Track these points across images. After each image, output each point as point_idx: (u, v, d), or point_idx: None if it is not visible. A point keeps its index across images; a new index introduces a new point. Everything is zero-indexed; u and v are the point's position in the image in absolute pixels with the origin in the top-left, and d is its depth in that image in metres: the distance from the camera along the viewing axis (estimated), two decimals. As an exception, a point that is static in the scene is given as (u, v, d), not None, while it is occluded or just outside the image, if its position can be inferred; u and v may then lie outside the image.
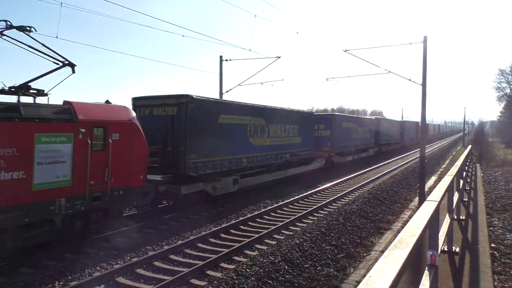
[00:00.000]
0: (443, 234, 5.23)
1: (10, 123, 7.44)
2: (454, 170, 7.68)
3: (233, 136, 14.63)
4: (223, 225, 10.90)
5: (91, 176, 8.94)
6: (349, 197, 15.57)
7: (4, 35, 8.56)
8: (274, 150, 17.85)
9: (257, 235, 9.85)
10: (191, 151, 12.29)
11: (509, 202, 13.82)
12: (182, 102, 12.36)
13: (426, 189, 17.18)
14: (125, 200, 10.07)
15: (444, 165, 32.23)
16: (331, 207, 13.77)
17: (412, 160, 31.56)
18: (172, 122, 12.42)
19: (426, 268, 3.50)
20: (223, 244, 9.45)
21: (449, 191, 6.27)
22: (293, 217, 11.78)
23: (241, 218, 11.66)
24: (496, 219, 11.24)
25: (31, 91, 8.68)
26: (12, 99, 8.39)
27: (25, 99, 8.53)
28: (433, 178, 23.84)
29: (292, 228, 10.96)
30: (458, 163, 9.69)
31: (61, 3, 11.62)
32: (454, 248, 6.02)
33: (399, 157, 34.74)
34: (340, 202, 14.56)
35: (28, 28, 8.79)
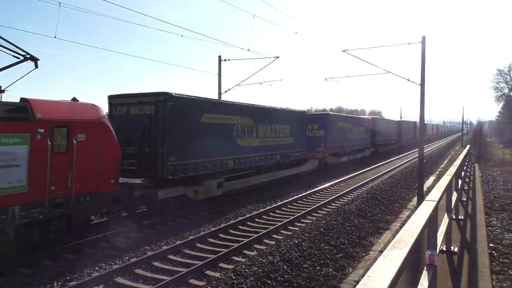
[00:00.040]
0: (442, 234, 5.24)
1: None
2: (452, 170, 7.69)
3: (218, 136, 13.85)
4: (222, 225, 10.90)
5: (51, 181, 8.18)
6: (347, 197, 15.58)
7: None
8: (263, 151, 17.05)
9: (256, 235, 9.85)
10: (170, 153, 11.51)
11: (507, 202, 13.83)
12: (160, 100, 11.54)
13: (425, 189, 17.20)
14: (93, 206, 9.28)
15: (442, 165, 32.27)
16: (329, 207, 13.78)
17: (410, 160, 31.45)
18: (150, 121, 11.61)
19: (425, 268, 3.50)
20: (222, 244, 9.45)
21: (448, 191, 6.28)
22: (292, 217, 11.78)
23: (240, 218, 11.66)
24: (495, 219, 11.25)
25: None
26: None
27: None
28: (431, 178, 23.87)
29: (291, 228, 10.96)
30: (457, 163, 9.71)
31: (59, 3, 11.63)
32: (452, 248, 6.04)
33: (397, 157, 34.29)
34: (338, 202, 14.57)
35: None
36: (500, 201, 14.05)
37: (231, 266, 7.80)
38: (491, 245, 8.35)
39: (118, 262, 8.16)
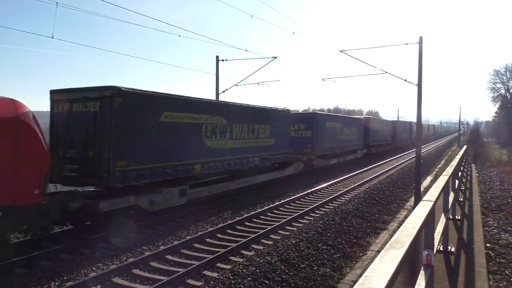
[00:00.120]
0: (439, 234, 5.26)
1: None
2: (449, 170, 7.72)
3: (181, 137, 12.29)
4: (220, 225, 10.90)
5: None
6: (345, 197, 15.60)
7: None
8: (238, 154, 15.47)
9: (253, 235, 9.85)
10: (118, 157, 9.98)
11: (504, 202, 13.89)
12: (106, 95, 10.01)
13: (422, 189, 17.25)
14: (6, 223, 7.59)
15: (439, 165, 32.35)
16: (327, 207, 13.79)
17: (404, 162, 31.37)
18: (94, 120, 10.12)
19: (422, 268, 3.51)
20: (220, 244, 9.45)
21: (445, 191, 6.30)
22: (290, 217, 11.79)
23: (238, 218, 11.66)
24: (491, 219, 11.29)
25: None
26: None
27: None
28: (428, 178, 23.94)
29: (289, 228, 10.97)
30: (454, 163, 9.75)
31: (57, 3, 11.60)
32: (449, 248, 6.05)
33: (390, 159, 33.17)
34: (336, 202, 14.58)
35: None
36: (497, 201, 14.11)
37: (228, 266, 7.79)
38: (488, 245, 8.39)
39: (115, 262, 8.15)
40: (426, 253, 3.59)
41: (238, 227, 11.06)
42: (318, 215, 12.35)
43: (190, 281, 7.17)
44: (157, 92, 11.56)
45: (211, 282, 6.97)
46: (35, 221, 8.35)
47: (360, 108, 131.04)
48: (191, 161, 12.73)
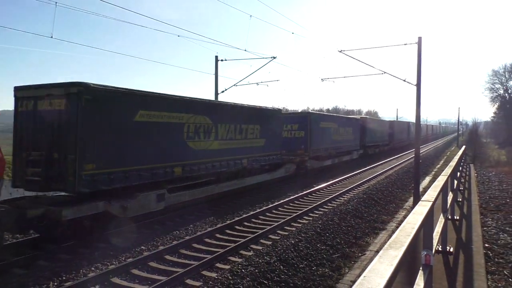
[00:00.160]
0: (438, 234, 5.27)
1: None
2: (448, 170, 7.72)
3: (160, 138, 11.47)
4: (219, 225, 10.89)
5: None
6: (344, 197, 15.62)
7: None
8: (225, 155, 14.63)
9: (252, 235, 9.85)
10: (85, 160, 9.16)
11: (502, 202, 13.92)
12: (73, 92, 9.19)
13: (421, 189, 17.27)
14: None
15: (438, 166, 32.41)
16: (326, 207, 13.80)
17: (403, 162, 31.35)
18: (59, 119, 9.32)
19: (421, 268, 3.52)
20: (219, 244, 9.44)
21: (444, 191, 6.31)
22: (289, 217, 11.80)
23: (237, 218, 11.66)
24: (490, 219, 11.32)
25: None
26: None
27: None
28: (427, 179, 23.98)
29: (288, 228, 10.97)
30: (452, 163, 9.76)
31: (56, 2, 11.59)
32: (448, 248, 6.07)
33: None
34: (335, 202, 14.59)
35: None
36: (495, 202, 14.14)
37: (227, 267, 7.79)
38: (486, 245, 8.41)
39: (114, 262, 8.15)
40: (425, 253, 3.59)
41: (237, 227, 11.06)
42: (317, 215, 12.36)
43: (189, 281, 7.16)
44: (132, 90, 10.76)
45: (210, 282, 6.97)
46: None
47: (359, 108, 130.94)
48: (171, 164, 11.91)
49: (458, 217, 9.20)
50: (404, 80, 17.33)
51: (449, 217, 7.89)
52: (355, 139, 30.56)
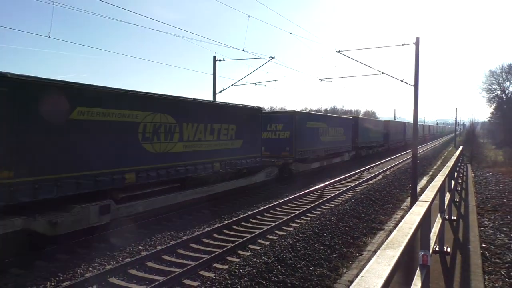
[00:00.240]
0: (435, 234, 5.28)
1: None
2: (445, 171, 7.75)
3: (106, 140, 9.99)
4: (216, 225, 10.89)
5: None
6: (342, 197, 15.63)
7: None
8: (191, 159, 13.09)
9: (250, 235, 9.85)
10: None
11: (499, 202, 13.96)
12: None
13: (418, 189, 17.31)
14: None
15: (436, 166, 32.48)
16: (324, 207, 13.81)
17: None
18: None
19: (418, 268, 3.53)
20: (216, 244, 9.45)
21: (441, 191, 6.33)
22: (286, 217, 11.80)
23: (234, 218, 11.66)
24: (487, 219, 11.35)
25: None
26: None
27: None
28: (425, 179, 24.03)
29: (285, 228, 10.98)
30: (450, 164, 9.79)
31: (54, 2, 11.55)
32: (445, 248, 6.09)
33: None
34: (332, 203, 14.61)
35: None
36: (492, 202, 14.18)
37: (225, 267, 7.80)
38: (483, 245, 8.43)
39: (112, 263, 8.14)
40: (422, 253, 3.60)
41: (235, 227, 11.06)
42: (314, 215, 12.37)
43: (186, 281, 7.16)
44: (67, 82, 9.27)
45: (208, 282, 6.97)
46: None
47: (357, 108, 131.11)
48: (120, 169, 10.36)
49: (455, 218, 9.23)
50: (402, 81, 17.38)
51: (447, 217, 7.92)
52: (346, 140, 29.25)
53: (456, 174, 12.20)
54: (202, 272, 7.59)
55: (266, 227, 10.68)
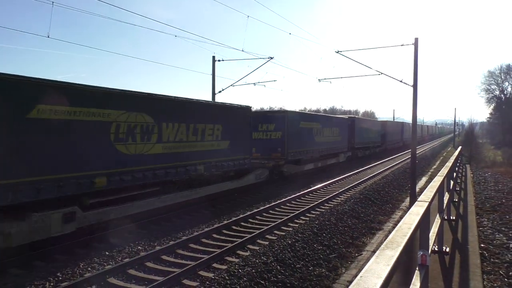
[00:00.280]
0: (434, 234, 5.29)
1: None
2: (444, 171, 7.75)
3: (72, 141, 9.15)
4: (215, 225, 10.89)
5: None
6: (341, 198, 15.64)
7: None
8: (172, 161, 12.24)
9: (249, 236, 9.85)
10: None
11: (498, 202, 13.98)
12: None
13: (417, 189, 17.33)
14: None
15: (435, 166, 32.51)
16: (323, 207, 13.82)
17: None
18: None
19: (417, 268, 3.53)
20: (215, 245, 9.45)
21: (440, 191, 6.33)
22: (285, 217, 11.81)
23: (234, 219, 11.66)
24: (486, 220, 11.36)
25: None
26: None
27: None
28: (424, 179, 24.06)
29: (284, 228, 10.99)
30: (449, 164, 9.80)
31: (52, 2, 11.53)
32: (444, 248, 6.09)
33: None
34: (332, 203, 14.62)
35: None
36: (491, 202, 14.20)
37: (224, 267, 7.80)
38: (482, 245, 8.44)
39: (111, 263, 8.13)
40: (421, 253, 3.60)
41: (234, 227, 11.06)
42: (314, 216, 12.38)
43: (185, 281, 7.16)
44: (22, 77, 8.26)
45: (207, 282, 6.97)
46: None
47: (356, 108, 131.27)
48: (89, 173, 9.50)
49: (454, 218, 9.24)
50: (401, 81, 17.40)
51: (445, 218, 7.92)
52: (342, 141, 28.43)
53: (455, 174, 12.21)
54: (201, 272, 7.59)
55: (265, 227, 10.68)
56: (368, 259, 8.52)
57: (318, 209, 13.41)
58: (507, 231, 9.89)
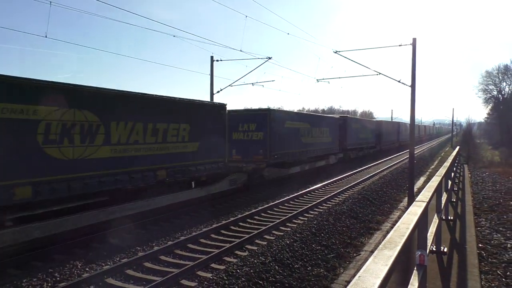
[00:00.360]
0: (432, 234, 5.29)
1: None
2: (442, 171, 7.77)
3: None
4: (214, 226, 10.88)
5: None
6: (339, 198, 15.65)
7: None
8: (124, 167, 10.64)
9: (247, 236, 9.85)
10: None
11: (496, 202, 14.00)
12: None
13: (415, 189, 17.36)
14: None
15: (433, 166, 32.56)
16: (321, 207, 13.82)
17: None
18: None
19: (415, 268, 3.54)
20: (214, 245, 9.44)
21: (438, 191, 6.35)
22: (284, 218, 11.81)
23: (232, 219, 11.65)
24: (484, 220, 11.38)
25: None
26: None
27: None
28: (422, 179, 24.10)
29: (283, 228, 10.99)
30: (447, 164, 9.82)
31: (50, 2, 11.50)
32: (442, 248, 6.10)
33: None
34: (330, 203, 14.62)
35: None
36: (489, 202, 14.22)
37: (222, 267, 7.79)
38: (480, 245, 8.46)
39: (109, 263, 8.12)
40: (419, 253, 3.61)
41: (232, 227, 11.05)
42: (312, 216, 12.38)
43: (184, 282, 7.15)
44: None
45: (205, 283, 6.97)
46: None
47: (354, 108, 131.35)
48: (5, 183, 7.99)
49: (452, 218, 9.26)
50: (399, 81, 17.44)
51: (443, 218, 7.94)
52: (333, 142, 26.84)
53: (453, 174, 12.24)
54: (199, 273, 7.58)
55: (264, 227, 10.68)
56: (366, 259, 8.54)
57: (317, 209, 13.42)
58: (504, 231, 9.91)
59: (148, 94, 11.88)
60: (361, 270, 1.85)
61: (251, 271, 7.46)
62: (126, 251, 8.88)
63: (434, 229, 5.59)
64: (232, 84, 22.94)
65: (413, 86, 16.56)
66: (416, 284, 3.26)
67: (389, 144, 44.82)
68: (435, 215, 6.29)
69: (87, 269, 7.77)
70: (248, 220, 11.87)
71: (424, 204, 3.76)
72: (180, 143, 12.90)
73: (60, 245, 8.86)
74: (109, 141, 10.28)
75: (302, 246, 9.27)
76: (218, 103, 15.62)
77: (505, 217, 11.52)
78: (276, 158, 18.70)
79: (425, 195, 4.44)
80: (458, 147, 22.25)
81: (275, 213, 12.98)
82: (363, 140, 34.58)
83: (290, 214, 12.24)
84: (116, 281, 7.18)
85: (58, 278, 7.30)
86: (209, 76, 22.42)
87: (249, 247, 9.27)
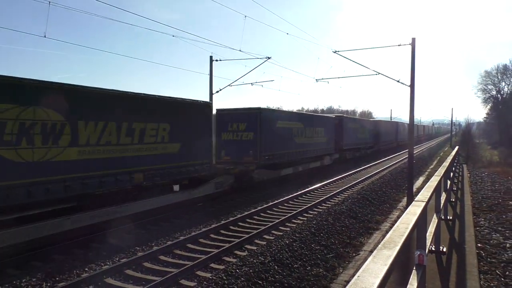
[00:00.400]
0: (431, 234, 5.30)
1: None
2: (441, 171, 7.77)
3: None
4: (213, 226, 10.89)
5: None
6: (338, 198, 15.66)
7: None
8: (94, 170, 9.83)
9: (247, 236, 9.85)
10: None
11: (495, 202, 14.03)
12: None
13: (414, 189, 17.37)
14: None
15: (432, 166, 32.59)
16: (320, 207, 13.83)
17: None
18: None
19: (414, 268, 3.54)
20: (213, 245, 9.44)
21: (437, 191, 6.35)
22: (283, 218, 11.81)
23: (231, 219, 11.65)
24: (483, 219, 11.40)
25: None
26: None
27: None
28: (421, 179, 24.12)
29: (282, 228, 10.99)
30: (446, 164, 9.82)
31: (49, 2, 11.49)
32: (441, 248, 6.10)
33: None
34: (329, 203, 14.63)
35: None
36: (488, 202, 14.24)
37: (222, 267, 7.80)
38: (479, 245, 8.47)
39: (108, 263, 8.12)
40: (418, 253, 3.61)
41: (231, 227, 11.06)
42: (311, 216, 12.39)
43: (183, 282, 7.16)
44: None
45: (204, 283, 6.97)
46: None
47: (354, 108, 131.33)
48: None
49: (451, 217, 9.25)
50: (398, 81, 17.44)
51: (442, 217, 7.94)
52: (328, 142, 26.05)
53: (452, 174, 12.24)
54: (198, 272, 7.59)
55: (263, 227, 10.69)
56: (365, 259, 8.53)
57: (316, 209, 13.43)
58: (503, 231, 9.93)
59: (122, 91, 11.03)
60: (360, 270, 1.86)
61: (251, 271, 7.47)
62: (126, 251, 8.88)
63: (433, 229, 5.59)
64: (232, 84, 22.95)
65: (412, 86, 16.57)
66: (415, 284, 3.26)
67: (388, 144, 44.23)
68: (434, 215, 6.29)
69: (87, 269, 7.77)
70: (248, 220, 11.88)
71: (423, 204, 3.76)
72: (159, 144, 12.11)
73: (60, 245, 8.86)
74: (77, 142, 9.45)
75: (302, 246, 9.28)
76: (202, 101, 14.83)
77: (504, 216, 11.54)
78: (267, 159, 18.07)
79: (424, 195, 4.44)
80: (457, 147, 22.27)
81: (274, 213, 12.98)
82: (361, 140, 33.86)
83: (290, 214, 12.24)
84: (116, 281, 7.18)
85: (57, 278, 7.31)
86: (208, 76, 22.43)
87: (248, 247, 9.27)
